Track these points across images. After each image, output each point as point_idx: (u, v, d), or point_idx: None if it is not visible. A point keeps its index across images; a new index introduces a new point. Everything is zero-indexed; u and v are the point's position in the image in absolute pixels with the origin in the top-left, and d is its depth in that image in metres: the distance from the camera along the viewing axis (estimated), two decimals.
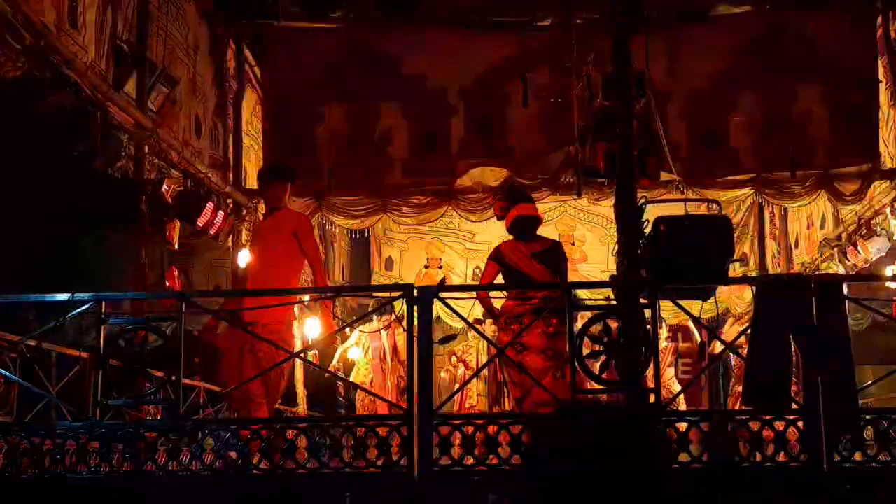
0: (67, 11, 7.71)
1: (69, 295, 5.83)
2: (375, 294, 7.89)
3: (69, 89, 7.34)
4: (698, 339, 12.21)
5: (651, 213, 6.40)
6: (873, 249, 10.80)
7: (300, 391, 12.63)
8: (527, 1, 10.64)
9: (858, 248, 11.07)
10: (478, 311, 7.92)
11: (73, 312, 5.89)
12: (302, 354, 7.66)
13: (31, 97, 6.98)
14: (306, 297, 7.69)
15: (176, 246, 9.34)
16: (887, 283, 9.94)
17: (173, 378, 5.94)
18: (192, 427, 5.94)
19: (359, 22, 11.05)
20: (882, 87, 10.93)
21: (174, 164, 9.44)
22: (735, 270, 13.09)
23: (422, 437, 5.70)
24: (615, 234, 13.80)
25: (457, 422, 5.98)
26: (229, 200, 10.80)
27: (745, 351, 5.94)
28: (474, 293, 7.40)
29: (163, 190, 9.08)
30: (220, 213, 9.94)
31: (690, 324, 11.76)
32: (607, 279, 6.45)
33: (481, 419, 6.09)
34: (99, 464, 5.72)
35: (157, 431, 5.89)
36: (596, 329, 5.90)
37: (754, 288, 6.01)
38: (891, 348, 9.71)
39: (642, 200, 6.34)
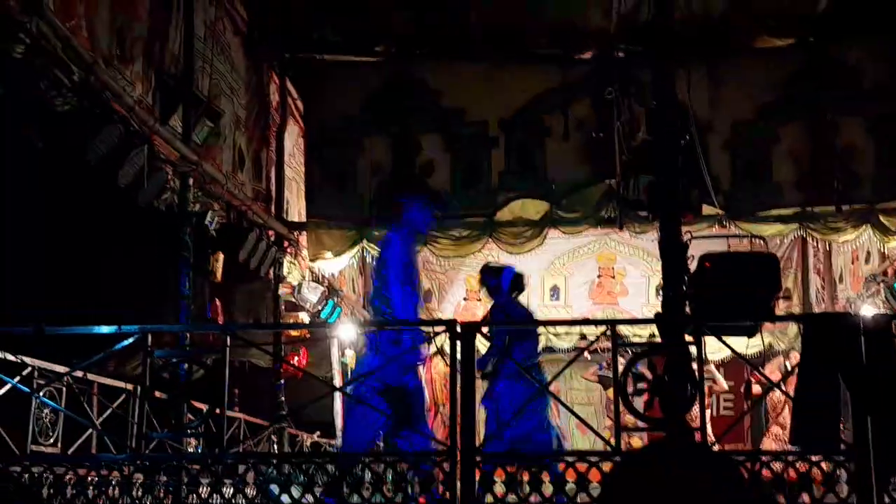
0: (116, 46, 7.83)
1: (116, 327, 5.89)
2: (419, 328, 7.89)
3: (117, 123, 7.43)
4: (724, 386, 12.03)
5: (693, 247, 6.36)
6: None
7: (339, 423, 12.62)
8: (568, 34, 10.64)
9: None
10: None
11: (119, 345, 5.94)
12: None
13: (80, 131, 7.08)
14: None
15: (219, 278, 9.41)
16: None
17: (217, 411, 5.96)
18: (233, 460, 5.96)
19: (400, 55, 11.11)
20: None
21: (218, 196, 9.52)
22: (778, 306, 12.94)
23: (464, 474, 5.67)
24: (656, 267, 13.71)
25: (499, 459, 5.95)
26: (271, 232, 10.87)
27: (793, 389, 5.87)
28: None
29: (206, 222, 9.15)
30: (262, 245, 10.00)
31: (712, 368, 11.61)
32: (650, 315, 6.39)
33: (524, 457, 6.05)
34: (142, 496, 5.75)
35: (200, 464, 5.92)
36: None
37: (801, 326, 5.95)
38: None
39: (687, 236, 6.30)
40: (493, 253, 12.68)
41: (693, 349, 5.91)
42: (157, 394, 6.91)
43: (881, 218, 10.67)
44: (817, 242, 12.90)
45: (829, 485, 5.48)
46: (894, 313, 10.69)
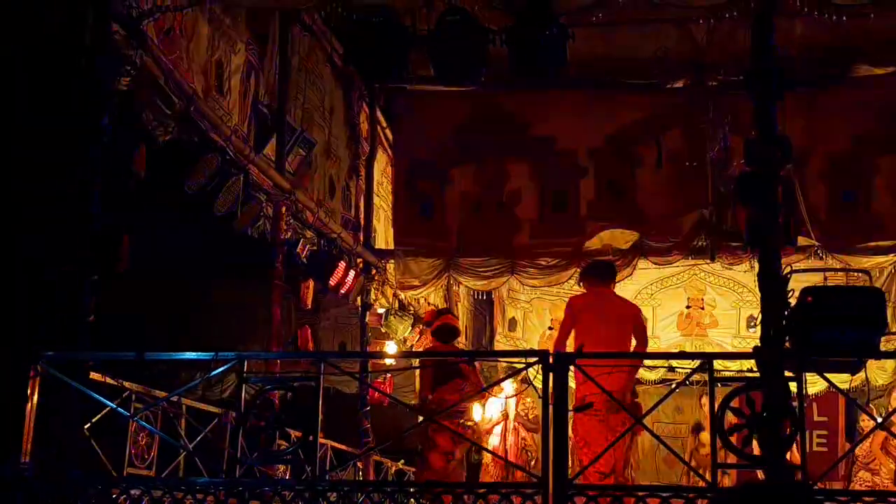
0: (214, 78, 8.02)
1: (213, 354, 5.97)
2: (510, 359, 7.89)
3: (215, 152, 7.60)
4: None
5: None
6: None
7: None
8: (660, 63, 10.54)
9: None
10: None
11: (216, 371, 6.03)
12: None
13: (180, 160, 7.26)
14: None
15: (310, 305, 9.52)
16: None
17: (310, 438, 6.00)
18: (327, 487, 5.97)
19: (489, 84, 11.11)
20: None
21: (309, 224, 9.65)
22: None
23: None
24: (747, 298, 13.44)
25: (592, 493, 5.86)
26: (359, 260, 10.97)
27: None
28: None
29: (298, 250, 9.28)
30: (352, 273, 10.10)
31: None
32: (740, 347, 6.26)
33: (619, 490, 5.95)
34: None
35: (293, 491, 5.94)
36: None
37: None
38: None
39: (787, 269, 6.15)
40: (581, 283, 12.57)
41: (793, 385, 5.76)
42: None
43: None
44: None
45: None
46: None
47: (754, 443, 5.79)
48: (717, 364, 6.86)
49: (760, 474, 6.59)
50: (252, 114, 8.70)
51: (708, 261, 11.30)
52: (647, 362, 12.66)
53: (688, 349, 13.68)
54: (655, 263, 11.48)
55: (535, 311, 15.02)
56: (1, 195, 5.96)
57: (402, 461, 12.15)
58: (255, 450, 6.50)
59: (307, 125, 9.74)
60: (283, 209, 8.95)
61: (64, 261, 6.07)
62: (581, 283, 8.62)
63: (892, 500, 5.51)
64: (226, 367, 5.98)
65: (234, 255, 8.86)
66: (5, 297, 5.93)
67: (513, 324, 15.16)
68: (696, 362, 5.96)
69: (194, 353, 6.03)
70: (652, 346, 14.31)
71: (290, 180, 9.06)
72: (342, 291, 10.04)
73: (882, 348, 7.01)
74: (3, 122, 6.00)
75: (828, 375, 6.06)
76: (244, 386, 6.04)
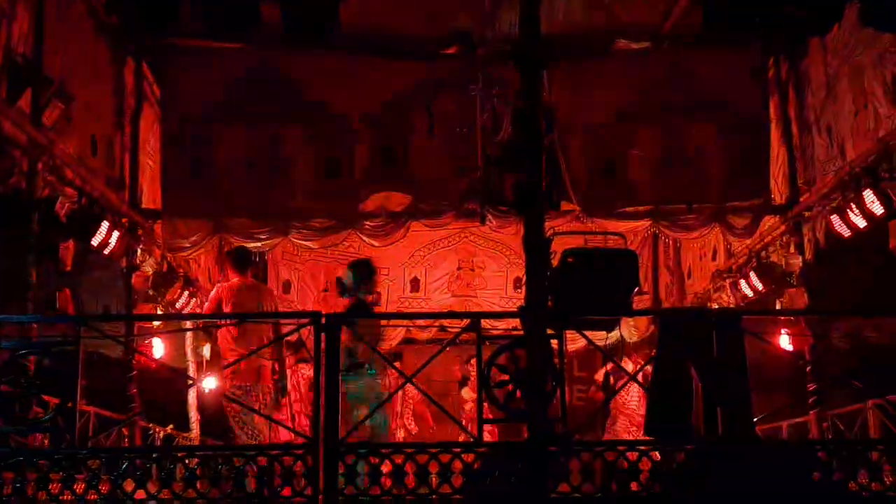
0: None
1: None
2: (282, 321, 7.86)
3: None
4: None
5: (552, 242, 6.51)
6: None
7: (192, 416, 12.35)
8: (433, 29, 10.69)
9: (750, 280, 11.47)
10: None
11: None
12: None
13: None
14: None
15: (70, 267, 9.04)
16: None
17: (69, 404, 5.74)
18: (87, 456, 5.75)
19: (262, 44, 10.90)
20: (773, 126, 11.37)
21: (69, 181, 9.15)
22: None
23: (327, 467, 5.65)
24: (515, 261, 13.97)
25: (362, 451, 5.95)
26: (124, 220, 10.53)
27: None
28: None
29: (56, 208, 8.77)
30: (116, 233, 9.68)
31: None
32: (508, 307, 6.51)
33: (387, 448, 6.07)
34: None
35: (50, 460, 5.68)
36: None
37: (658, 320, 6.19)
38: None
39: (550, 232, 6.44)
40: (356, 245, 12.64)
41: (555, 342, 6.06)
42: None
43: (728, 218, 11.19)
44: (667, 239, 13.39)
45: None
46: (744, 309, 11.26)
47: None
48: (486, 323, 7.12)
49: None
50: (4, 63, 8.11)
51: (478, 224, 11.62)
52: (420, 322, 12.95)
53: (458, 309, 14.09)
54: (427, 226, 11.71)
55: (309, 273, 14.98)
56: None
57: (171, 426, 11.84)
58: (9, 418, 6.17)
59: (66, 78, 9.18)
60: (40, 165, 8.44)
61: None
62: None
63: (641, 447, 5.93)
64: None
65: None
66: None
67: (287, 286, 15.05)
68: (466, 321, 6.13)
69: None
70: (423, 307, 14.68)
71: (48, 135, 8.54)
72: (106, 252, 9.61)
73: (634, 307, 7.54)
74: None
75: (586, 333, 6.43)
76: None
